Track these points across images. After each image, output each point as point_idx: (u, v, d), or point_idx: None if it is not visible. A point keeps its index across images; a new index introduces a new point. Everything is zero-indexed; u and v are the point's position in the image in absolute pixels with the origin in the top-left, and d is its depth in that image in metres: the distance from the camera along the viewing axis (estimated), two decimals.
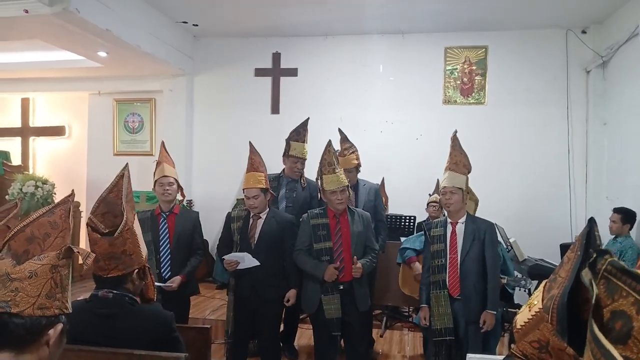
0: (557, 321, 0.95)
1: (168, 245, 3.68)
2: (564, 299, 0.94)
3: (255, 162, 3.71)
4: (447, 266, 3.32)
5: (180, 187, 3.81)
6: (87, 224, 2.02)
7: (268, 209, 3.73)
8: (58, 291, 1.37)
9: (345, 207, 3.54)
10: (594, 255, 0.77)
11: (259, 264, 3.48)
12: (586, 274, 0.79)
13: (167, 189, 3.70)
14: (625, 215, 4.96)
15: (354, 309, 3.46)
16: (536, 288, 1.34)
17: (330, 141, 3.66)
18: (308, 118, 4.47)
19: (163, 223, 3.71)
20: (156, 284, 3.51)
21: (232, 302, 3.64)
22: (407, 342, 5.03)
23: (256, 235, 3.63)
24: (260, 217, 3.68)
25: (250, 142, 3.86)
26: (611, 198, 5.84)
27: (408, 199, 6.13)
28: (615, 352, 0.67)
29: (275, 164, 4.69)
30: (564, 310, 0.93)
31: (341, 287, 3.43)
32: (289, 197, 4.34)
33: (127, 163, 2.22)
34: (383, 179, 6.20)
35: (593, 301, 0.75)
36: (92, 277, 2.08)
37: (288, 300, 3.64)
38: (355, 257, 3.42)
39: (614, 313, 0.71)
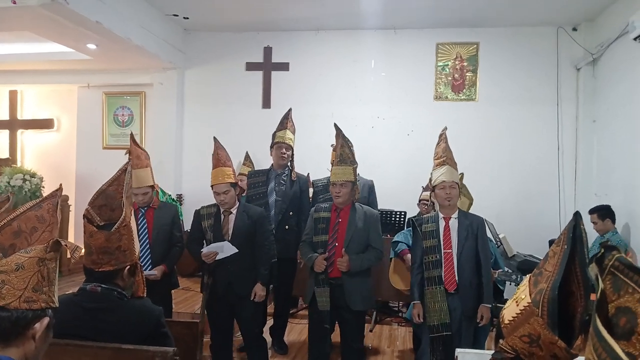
0: (547, 315, 0.95)
1: (147, 239, 3.66)
2: (554, 292, 0.94)
3: (222, 157, 3.64)
4: (443, 261, 3.31)
5: (154, 188, 3.77)
6: (84, 215, 2.01)
7: (238, 203, 3.67)
8: (45, 284, 1.36)
9: (346, 202, 3.50)
10: (602, 251, 0.77)
11: (237, 250, 3.45)
12: (592, 269, 0.78)
13: (142, 199, 3.68)
14: (599, 212, 5.05)
15: (346, 305, 3.43)
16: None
17: (343, 135, 3.61)
18: (290, 109, 4.51)
19: (141, 218, 3.68)
20: None
21: (205, 300, 3.58)
22: (397, 336, 5.05)
23: (230, 232, 3.58)
24: (232, 213, 3.62)
25: (215, 138, 3.79)
26: (600, 195, 5.89)
27: (399, 195, 6.13)
28: (617, 347, 0.67)
29: (266, 158, 4.69)
30: (554, 304, 0.94)
31: (332, 282, 3.43)
32: (278, 190, 4.33)
33: (130, 158, 2.22)
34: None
35: (598, 296, 0.75)
36: (83, 270, 2.07)
37: (255, 295, 3.53)
38: (344, 250, 3.40)
39: (619, 309, 0.71)
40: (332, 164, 4.47)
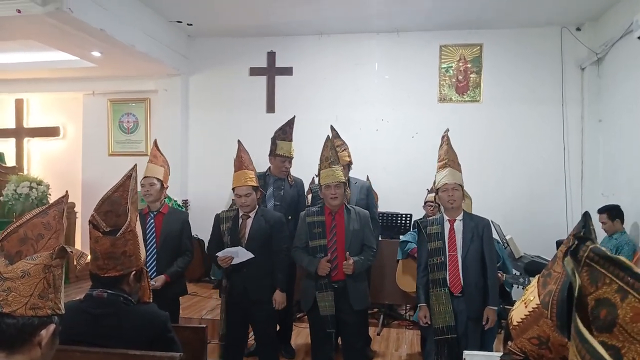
0: (557, 317, 0.94)
1: (154, 245, 3.63)
2: (563, 294, 0.92)
3: (245, 160, 3.65)
4: (447, 264, 3.30)
5: (163, 187, 3.75)
6: (90, 221, 2.02)
7: (257, 207, 3.68)
8: (51, 291, 1.35)
9: (341, 204, 3.50)
10: (575, 243, 0.75)
11: (253, 256, 3.46)
12: (568, 263, 0.76)
13: (148, 190, 3.67)
14: (610, 212, 4.99)
15: (349, 307, 3.43)
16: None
17: (328, 136, 3.64)
18: (294, 116, 4.44)
19: (150, 222, 3.67)
20: None
21: (224, 304, 3.61)
22: (405, 340, 5.02)
23: (246, 235, 3.59)
24: (250, 217, 3.63)
25: (239, 141, 3.79)
26: (606, 194, 5.85)
27: (404, 197, 6.12)
28: (600, 349, 0.65)
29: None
30: (563, 305, 0.92)
31: (335, 286, 3.41)
32: (276, 195, 4.31)
33: (135, 164, 2.22)
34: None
35: (576, 292, 0.73)
36: (89, 276, 2.07)
37: (275, 303, 3.55)
38: (347, 253, 3.40)
39: (598, 301, 0.70)
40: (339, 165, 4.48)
